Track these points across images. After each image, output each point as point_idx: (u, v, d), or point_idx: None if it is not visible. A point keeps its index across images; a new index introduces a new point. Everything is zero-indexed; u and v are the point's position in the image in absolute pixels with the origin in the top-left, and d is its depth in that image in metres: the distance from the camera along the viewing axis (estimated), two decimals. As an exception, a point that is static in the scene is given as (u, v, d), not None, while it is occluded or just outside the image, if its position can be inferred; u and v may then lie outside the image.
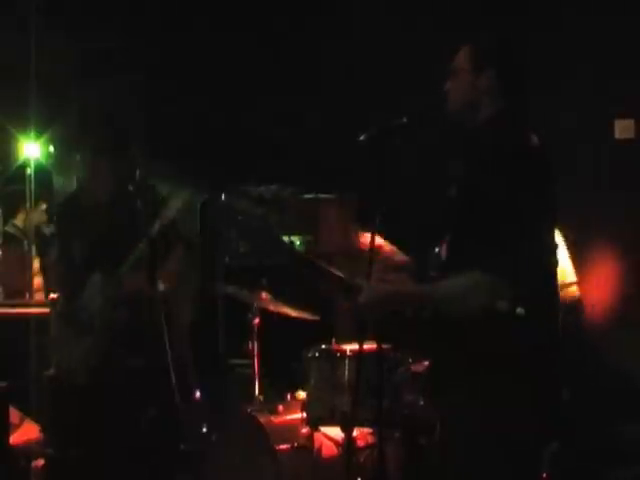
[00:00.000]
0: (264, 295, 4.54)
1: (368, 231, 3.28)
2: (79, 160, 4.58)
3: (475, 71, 3.09)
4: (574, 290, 4.70)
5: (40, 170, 6.36)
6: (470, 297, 2.89)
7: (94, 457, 4.57)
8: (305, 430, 4.25)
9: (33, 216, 6.43)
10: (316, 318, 4.52)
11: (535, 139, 3.03)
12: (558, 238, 4.57)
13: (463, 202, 3.00)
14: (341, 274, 3.29)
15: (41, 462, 5.05)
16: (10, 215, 6.60)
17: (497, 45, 3.16)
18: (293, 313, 4.55)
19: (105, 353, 4.33)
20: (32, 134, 6.28)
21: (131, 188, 4.36)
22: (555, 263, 3.11)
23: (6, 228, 6.58)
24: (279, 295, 4.57)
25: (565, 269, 4.64)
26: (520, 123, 3.09)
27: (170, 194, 4.39)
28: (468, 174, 3.01)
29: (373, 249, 3.25)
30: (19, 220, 6.62)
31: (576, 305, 4.71)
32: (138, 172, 4.25)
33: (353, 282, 3.20)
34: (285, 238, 5.20)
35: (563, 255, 4.64)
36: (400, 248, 3.71)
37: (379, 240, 3.49)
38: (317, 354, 4.30)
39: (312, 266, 3.38)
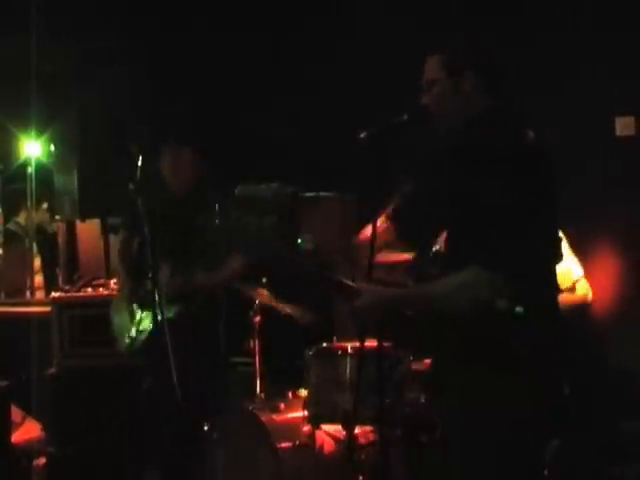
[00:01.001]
0: (264, 292, 4.55)
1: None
2: (162, 153, 4.66)
3: (453, 77, 3.08)
4: (583, 287, 4.69)
5: (41, 169, 6.38)
6: (468, 293, 2.90)
7: (94, 456, 4.58)
8: (306, 428, 4.25)
9: (35, 215, 6.44)
10: (311, 321, 4.53)
11: (531, 135, 3.02)
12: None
13: (461, 200, 3.00)
14: (342, 279, 3.29)
15: (42, 461, 5.06)
16: (11, 214, 6.61)
17: (470, 47, 3.14)
18: (290, 311, 4.55)
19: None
20: (33, 133, 6.30)
21: (132, 186, 4.36)
22: (557, 260, 3.11)
23: (8, 225, 6.59)
24: (279, 294, 4.58)
25: (570, 268, 4.62)
26: (512, 119, 3.09)
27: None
28: (465, 173, 3.01)
29: (373, 248, 3.26)
30: (21, 218, 6.63)
31: (585, 306, 4.71)
32: (139, 171, 4.26)
33: (352, 285, 3.19)
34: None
35: (565, 253, 4.61)
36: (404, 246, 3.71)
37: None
38: (318, 352, 4.30)
39: (311, 271, 3.38)
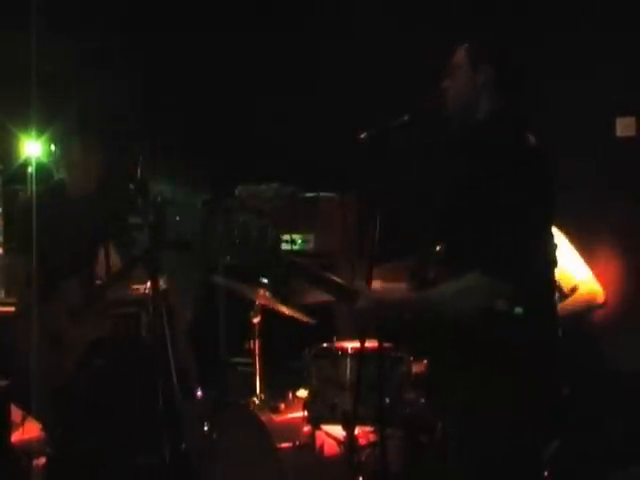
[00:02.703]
0: (263, 292, 4.55)
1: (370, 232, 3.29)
2: (67, 152, 4.55)
3: (473, 68, 3.11)
4: (587, 288, 4.60)
5: (41, 169, 6.36)
6: (470, 298, 2.90)
7: (94, 456, 4.58)
8: (306, 428, 4.25)
9: None
10: (311, 321, 4.53)
11: (532, 139, 3.04)
12: (561, 237, 4.58)
13: (462, 202, 3.00)
14: (340, 280, 3.29)
15: (42, 461, 5.05)
16: (12, 214, 6.59)
17: (494, 43, 3.19)
18: (290, 313, 4.55)
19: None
20: (33, 133, 6.28)
21: (132, 187, 4.36)
22: (553, 262, 3.12)
23: None
24: (278, 294, 4.58)
25: (572, 269, 4.58)
26: (518, 123, 3.10)
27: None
28: (467, 174, 3.01)
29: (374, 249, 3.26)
30: None
31: (591, 306, 4.62)
32: (140, 171, 4.26)
33: (351, 287, 3.19)
34: (286, 237, 5.21)
35: (567, 254, 4.59)
36: (401, 248, 3.71)
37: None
38: (318, 352, 4.30)
39: (311, 273, 3.39)
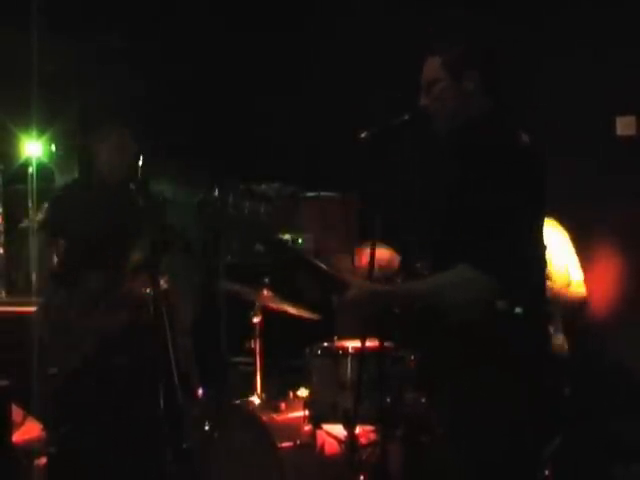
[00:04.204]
0: (266, 293, 4.56)
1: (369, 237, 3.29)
2: (88, 147, 4.56)
3: (455, 77, 3.07)
4: (580, 289, 4.70)
5: (42, 169, 6.37)
6: (461, 290, 2.90)
7: (95, 455, 4.58)
8: (307, 428, 4.26)
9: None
10: (316, 317, 4.53)
11: (525, 138, 3.03)
12: (560, 235, 4.60)
13: (454, 204, 3.01)
14: (333, 271, 3.29)
15: (43, 461, 5.05)
16: (13, 214, 6.59)
17: (472, 47, 3.13)
18: (294, 311, 4.56)
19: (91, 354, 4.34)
20: (34, 133, 6.29)
21: (132, 187, 4.37)
22: (544, 262, 3.12)
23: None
24: (281, 293, 4.58)
25: (568, 267, 4.65)
26: (509, 122, 3.09)
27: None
28: (458, 176, 3.01)
29: (374, 249, 3.27)
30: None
31: (581, 304, 4.72)
32: (140, 170, 4.26)
33: (343, 278, 3.19)
34: (287, 236, 5.22)
35: (566, 252, 4.64)
36: (399, 246, 3.71)
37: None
38: (319, 352, 4.30)
39: (303, 262, 3.38)
